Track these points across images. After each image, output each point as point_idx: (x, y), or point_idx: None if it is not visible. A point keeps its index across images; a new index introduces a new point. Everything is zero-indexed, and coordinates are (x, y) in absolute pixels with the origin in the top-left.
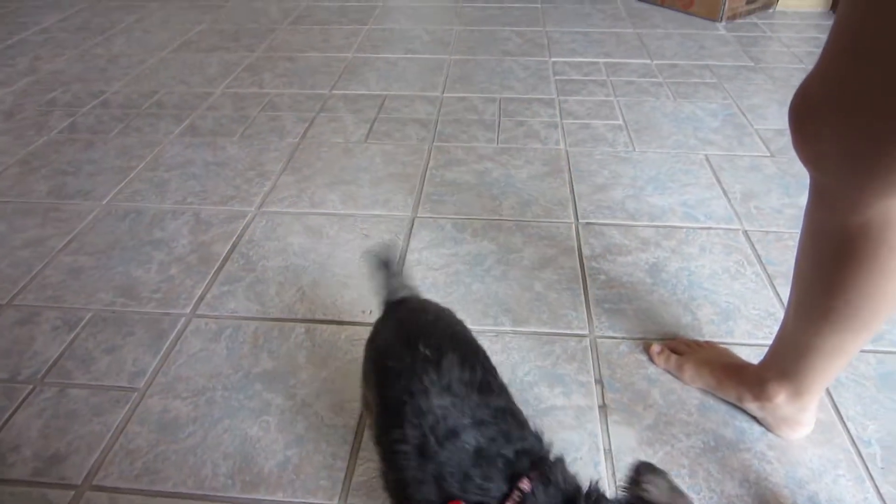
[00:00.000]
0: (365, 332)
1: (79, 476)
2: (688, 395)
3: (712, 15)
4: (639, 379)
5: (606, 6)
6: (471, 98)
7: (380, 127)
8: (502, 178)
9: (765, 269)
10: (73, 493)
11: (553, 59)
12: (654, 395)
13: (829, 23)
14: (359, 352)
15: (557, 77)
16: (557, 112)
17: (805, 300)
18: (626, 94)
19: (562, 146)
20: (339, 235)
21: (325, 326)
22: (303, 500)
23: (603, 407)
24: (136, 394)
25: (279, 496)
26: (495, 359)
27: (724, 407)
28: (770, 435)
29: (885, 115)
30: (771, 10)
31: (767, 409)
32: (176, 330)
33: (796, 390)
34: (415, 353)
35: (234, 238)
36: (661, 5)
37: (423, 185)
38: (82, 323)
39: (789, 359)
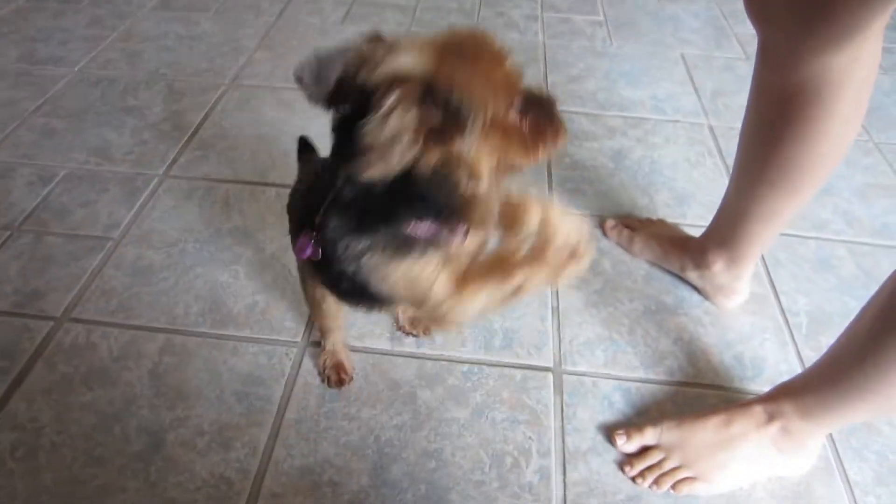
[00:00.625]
0: None
1: (57, 310)
2: (636, 265)
3: None
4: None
5: None
6: None
7: (358, 10)
8: None
9: (724, 161)
10: (52, 323)
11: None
12: (605, 264)
13: None
14: None
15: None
16: (539, 4)
17: (746, 162)
18: None
19: (540, 38)
20: (311, 110)
21: None
22: (268, 337)
23: None
24: (110, 242)
25: (246, 333)
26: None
27: (667, 277)
28: (707, 303)
29: None
30: None
31: (706, 276)
32: (150, 188)
33: (732, 258)
34: None
35: (208, 108)
36: None
37: None
38: (57, 179)
39: (727, 227)
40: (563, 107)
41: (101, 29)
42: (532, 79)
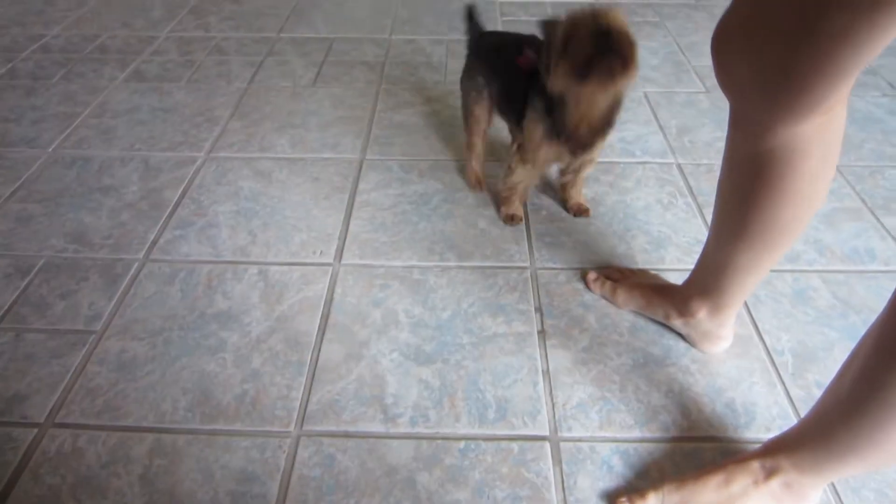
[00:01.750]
0: (317, 272)
1: (41, 414)
2: (620, 318)
3: None
4: (575, 305)
5: None
6: (419, 40)
7: (328, 70)
8: (449, 120)
9: (695, 200)
10: (36, 430)
11: (500, 0)
12: (590, 319)
13: None
14: (311, 290)
15: (504, 18)
16: None
17: (724, 219)
18: None
19: None
20: (288, 179)
21: (277, 267)
22: (260, 429)
23: (542, 332)
24: (93, 336)
25: (237, 426)
26: (442, 292)
27: (653, 327)
28: (693, 350)
29: (786, 49)
30: None
31: (691, 324)
32: (130, 274)
33: (715, 305)
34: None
35: (185, 183)
36: None
37: (371, 127)
38: (35, 269)
39: (709, 277)
40: None
41: (73, 105)
42: (501, 130)
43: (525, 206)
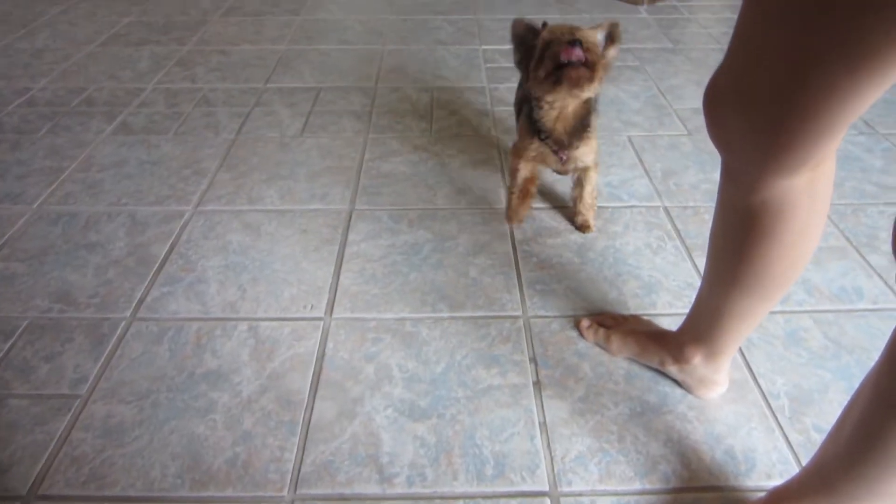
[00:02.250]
0: (308, 327)
1: (24, 486)
2: (615, 366)
3: None
4: (570, 354)
5: None
6: (404, 88)
7: (315, 120)
8: (437, 168)
9: (683, 243)
10: None
11: (484, 47)
12: (585, 368)
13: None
14: (302, 346)
15: (488, 65)
16: (488, 100)
17: (717, 268)
18: None
19: (494, 133)
20: (277, 231)
21: (267, 323)
22: (252, 494)
23: (537, 383)
24: (78, 400)
25: (229, 492)
26: (435, 345)
27: (648, 374)
28: (690, 397)
29: (776, 106)
30: None
31: (686, 370)
32: (116, 334)
33: (710, 352)
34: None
35: (172, 238)
36: None
37: (359, 177)
38: (19, 331)
39: (704, 323)
40: None
41: (59, 160)
42: (490, 177)
43: (515, 254)
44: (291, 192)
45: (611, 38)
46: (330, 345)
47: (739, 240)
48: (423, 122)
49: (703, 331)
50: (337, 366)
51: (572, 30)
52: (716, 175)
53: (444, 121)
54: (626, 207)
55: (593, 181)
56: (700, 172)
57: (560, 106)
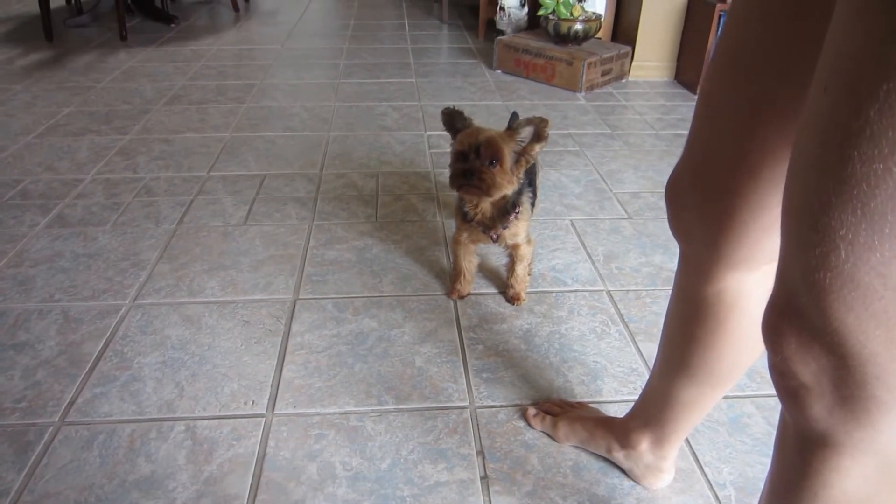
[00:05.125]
0: (249, 424)
1: None
2: (563, 457)
3: (572, 86)
4: (517, 446)
5: (477, 79)
6: (350, 174)
7: (259, 208)
8: (382, 255)
9: (627, 327)
10: None
11: (428, 133)
12: (532, 460)
13: (674, 91)
14: (242, 446)
15: (433, 150)
16: (433, 185)
17: (669, 355)
18: None
19: (438, 219)
20: (218, 324)
21: (206, 422)
22: None
23: (485, 478)
24: None
25: None
26: (380, 440)
27: (595, 465)
28: (638, 489)
29: (728, 198)
30: (624, 81)
31: (633, 457)
32: (43, 441)
33: (657, 438)
34: None
35: (107, 335)
36: (527, 77)
37: (303, 265)
38: None
39: (653, 408)
40: (473, 290)
41: None
42: (436, 263)
43: (462, 341)
44: (234, 282)
45: (537, 136)
46: (271, 443)
47: (692, 328)
48: (369, 208)
49: (651, 416)
50: (278, 466)
51: (477, 137)
52: (656, 258)
53: (389, 206)
54: (570, 292)
55: (525, 257)
56: (641, 255)
57: (475, 203)
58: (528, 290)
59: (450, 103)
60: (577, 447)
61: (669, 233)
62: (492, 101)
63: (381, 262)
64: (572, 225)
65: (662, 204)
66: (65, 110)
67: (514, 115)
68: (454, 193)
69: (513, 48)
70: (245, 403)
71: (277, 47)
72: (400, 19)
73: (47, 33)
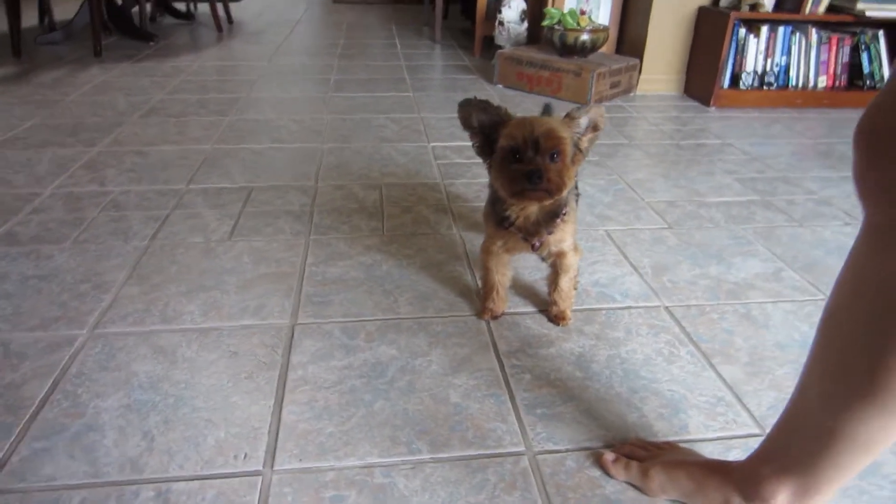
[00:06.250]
0: (241, 487)
1: None
2: None
3: (580, 99)
4: (597, 502)
5: (478, 94)
6: (349, 186)
7: (246, 222)
8: (395, 271)
9: (698, 348)
10: None
11: (433, 144)
12: None
13: (686, 104)
14: None
15: (440, 161)
16: (444, 196)
17: (837, 371)
18: None
19: (454, 231)
20: (199, 357)
21: (182, 485)
22: None
23: None
24: None
25: None
26: (416, 500)
27: None
28: None
29: None
30: (632, 94)
31: None
32: None
33: (803, 488)
34: None
35: (56, 372)
36: (530, 91)
37: (301, 284)
38: None
39: (799, 448)
40: (508, 309)
41: None
42: (458, 279)
43: (503, 370)
44: (217, 305)
45: (594, 126)
46: None
47: (885, 327)
48: (374, 221)
49: (795, 459)
50: None
51: (533, 128)
52: (711, 269)
53: (397, 218)
54: (621, 309)
55: (571, 267)
56: (694, 267)
57: (523, 205)
58: (573, 307)
59: (452, 115)
60: (677, 502)
61: (720, 242)
62: None
63: (394, 279)
64: (608, 235)
65: (704, 213)
66: (26, 123)
67: (547, 107)
68: (468, 204)
69: (515, 61)
70: (235, 457)
71: (263, 63)
72: (391, 39)
73: (15, 49)
